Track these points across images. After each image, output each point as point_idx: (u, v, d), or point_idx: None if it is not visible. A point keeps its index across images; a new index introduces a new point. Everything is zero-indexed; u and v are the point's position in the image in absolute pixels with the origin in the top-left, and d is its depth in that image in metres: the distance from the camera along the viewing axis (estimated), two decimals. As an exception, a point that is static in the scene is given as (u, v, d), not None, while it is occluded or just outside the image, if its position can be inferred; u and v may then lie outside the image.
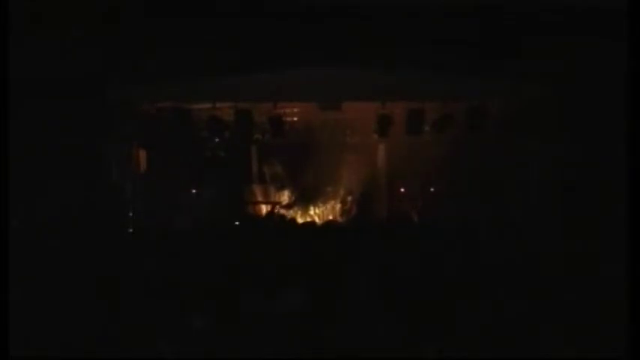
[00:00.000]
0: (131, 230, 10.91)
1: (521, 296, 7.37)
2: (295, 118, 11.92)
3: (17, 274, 6.06)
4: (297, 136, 12.15)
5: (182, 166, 11.93)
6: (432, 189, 12.65)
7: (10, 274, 5.69)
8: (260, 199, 13.02)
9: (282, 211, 12.71)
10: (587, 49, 8.67)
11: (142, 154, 11.67)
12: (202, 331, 7.23)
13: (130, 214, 11.09)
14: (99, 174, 10.11)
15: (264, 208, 12.97)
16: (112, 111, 9.90)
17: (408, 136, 11.17)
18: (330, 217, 12.79)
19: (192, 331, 7.22)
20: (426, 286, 7.67)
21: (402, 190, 12.70)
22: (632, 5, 5.96)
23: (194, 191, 12.29)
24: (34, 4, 8.38)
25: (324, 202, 12.99)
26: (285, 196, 13.08)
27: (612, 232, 7.31)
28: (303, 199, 12.96)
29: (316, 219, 12.72)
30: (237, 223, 11.75)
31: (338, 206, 12.89)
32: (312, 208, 12.92)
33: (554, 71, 9.10)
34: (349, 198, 12.79)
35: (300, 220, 12.52)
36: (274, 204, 12.87)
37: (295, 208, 12.93)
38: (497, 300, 7.34)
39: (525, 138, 10.34)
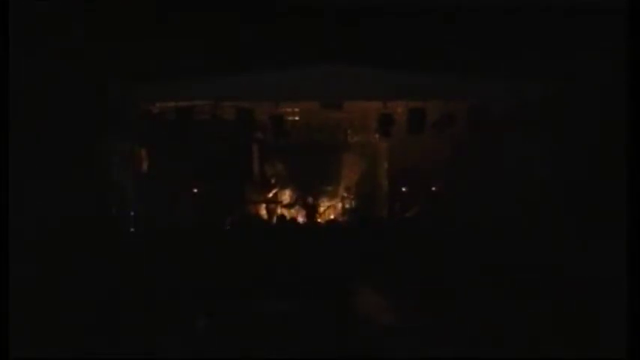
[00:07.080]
0: (133, 230, 10.92)
1: (520, 296, 7.39)
2: (297, 117, 11.89)
3: (17, 273, 6.08)
4: (299, 136, 12.10)
5: (183, 165, 11.90)
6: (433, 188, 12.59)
7: (11, 274, 5.70)
8: (261, 198, 12.98)
9: (284, 211, 12.70)
10: (587, 50, 8.66)
11: (144, 154, 11.67)
12: (203, 331, 7.25)
13: (132, 214, 11.09)
14: (100, 173, 10.12)
15: (266, 208, 12.93)
16: (113, 110, 9.91)
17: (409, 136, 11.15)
18: (332, 217, 12.78)
19: (193, 331, 7.24)
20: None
21: (404, 189, 12.64)
22: (632, 5, 5.95)
23: (195, 190, 12.26)
24: (35, 3, 8.40)
25: (326, 202, 12.97)
26: (286, 196, 13.06)
27: (612, 233, 7.30)
28: (305, 198, 12.93)
29: (318, 218, 12.68)
30: (237, 222, 11.78)
31: (339, 205, 12.87)
32: (313, 207, 12.87)
33: (554, 71, 9.09)
34: (351, 197, 12.77)
35: (300, 220, 12.51)
36: (276, 203, 12.85)
37: (296, 208, 12.90)
38: (496, 299, 7.35)
39: (526, 137, 10.31)
